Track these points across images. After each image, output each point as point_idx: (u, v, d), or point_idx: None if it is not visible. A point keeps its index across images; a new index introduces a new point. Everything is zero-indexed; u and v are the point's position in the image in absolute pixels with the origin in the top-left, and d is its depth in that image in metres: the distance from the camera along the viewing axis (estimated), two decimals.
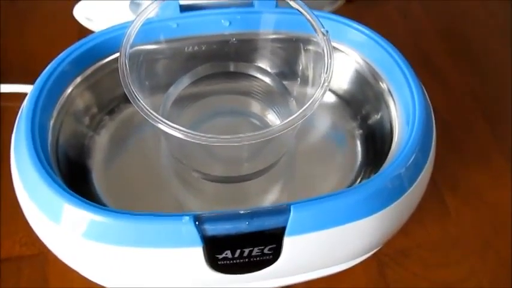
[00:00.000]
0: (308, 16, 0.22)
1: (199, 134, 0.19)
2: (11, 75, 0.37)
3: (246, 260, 0.22)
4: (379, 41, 0.26)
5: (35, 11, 0.41)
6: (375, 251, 0.27)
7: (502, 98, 0.39)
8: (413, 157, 0.23)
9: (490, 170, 0.34)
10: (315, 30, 0.22)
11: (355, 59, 0.28)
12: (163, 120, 0.20)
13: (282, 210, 0.20)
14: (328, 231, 0.21)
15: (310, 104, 0.20)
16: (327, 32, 0.22)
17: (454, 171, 0.34)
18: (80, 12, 0.30)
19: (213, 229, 0.20)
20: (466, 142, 0.36)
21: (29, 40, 0.39)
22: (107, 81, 0.27)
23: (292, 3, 0.22)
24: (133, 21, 0.23)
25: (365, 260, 0.28)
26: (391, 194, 0.22)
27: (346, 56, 0.28)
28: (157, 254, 0.20)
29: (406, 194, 0.23)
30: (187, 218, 0.19)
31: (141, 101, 0.20)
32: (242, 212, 0.20)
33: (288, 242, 0.21)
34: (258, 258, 0.22)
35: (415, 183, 0.23)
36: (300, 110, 0.19)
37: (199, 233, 0.20)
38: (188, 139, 0.19)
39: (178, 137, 0.25)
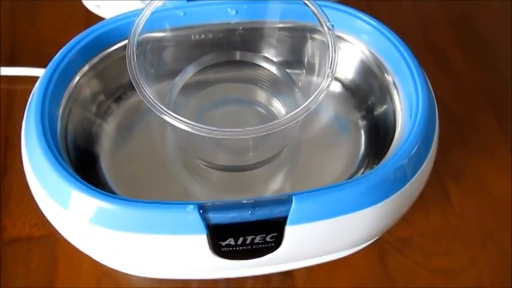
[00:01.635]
0: (314, 9, 0.22)
1: (204, 126, 0.19)
2: (22, 59, 0.37)
3: (249, 247, 0.22)
4: (385, 32, 0.26)
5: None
6: (375, 239, 0.28)
7: (510, 90, 0.39)
8: (415, 149, 0.23)
9: (494, 161, 0.34)
10: (321, 24, 0.22)
11: (361, 50, 0.28)
12: (169, 112, 0.20)
13: (284, 201, 0.21)
14: (329, 221, 0.22)
15: (314, 98, 0.20)
16: (333, 26, 0.22)
17: (458, 162, 0.34)
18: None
19: (217, 217, 0.20)
20: (471, 133, 0.36)
21: (39, 24, 0.40)
22: (113, 68, 0.28)
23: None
24: (141, 11, 0.23)
25: (366, 247, 0.29)
26: (393, 185, 0.22)
27: (352, 46, 0.28)
28: (163, 240, 0.21)
29: (407, 185, 0.23)
30: (191, 206, 0.20)
31: (148, 92, 0.21)
32: (245, 201, 0.20)
33: (289, 230, 0.22)
34: (260, 246, 0.22)
35: (417, 175, 0.23)
36: (304, 104, 0.20)
37: (203, 221, 0.20)
38: (193, 131, 0.19)
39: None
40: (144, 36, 0.25)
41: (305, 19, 0.26)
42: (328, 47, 0.21)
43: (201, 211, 0.20)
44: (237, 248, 0.22)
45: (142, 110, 0.29)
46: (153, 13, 0.25)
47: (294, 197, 0.21)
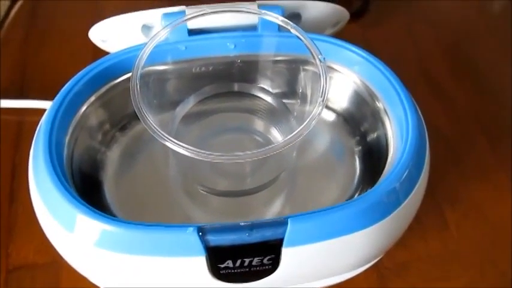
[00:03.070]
0: (307, 43, 0.24)
1: (203, 151, 0.20)
2: (30, 91, 0.39)
3: (247, 269, 0.23)
4: (374, 62, 0.28)
5: (54, 29, 0.43)
6: (374, 262, 0.28)
7: (503, 116, 0.39)
8: (407, 172, 0.24)
9: (490, 185, 0.35)
10: (313, 56, 0.23)
11: (352, 80, 0.29)
12: (170, 138, 0.21)
13: (280, 223, 0.21)
14: (325, 243, 0.22)
15: (306, 124, 0.21)
16: (324, 59, 0.23)
17: (454, 187, 0.35)
18: (95, 35, 0.32)
19: (215, 240, 0.21)
20: (466, 158, 0.36)
21: (47, 58, 0.41)
22: (119, 99, 0.29)
23: (292, 31, 0.24)
24: (145, 45, 0.24)
25: (365, 272, 0.29)
26: (386, 207, 0.23)
27: (344, 77, 0.29)
28: (163, 262, 0.22)
29: (400, 207, 0.24)
30: (191, 229, 0.21)
31: (150, 120, 0.22)
32: (243, 224, 0.21)
33: (286, 252, 0.22)
34: (258, 268, 0.23)
35: (410, 197, 0.24)
36: (297, 130, 0.21)
37: (202, 243, 0.21)
38: (192, 156, 0.21)
39: (187, 157, 0.27)
40: (147, 68, 0.26)
41: (299, 52, 0.27)
42: (320, 78, 0.23)
43: (200, 233, 0.21)
44: (236, 271, 0.23)
45: (146, 138, 0.30)
46: (156, 47, 0.26)
47: (289, 220, 0.21)
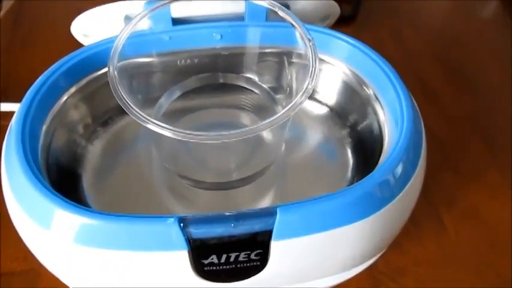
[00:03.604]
0: (294, 23, 0.23)
1: (183, 131, 0.19)
2: (12, 95, 0.37)
3: (233, 265, 0.21)
4: (361, 47, 0.27)
5: (36, 31, 0.43)
6: (368, 263, 0.27)
7: (496, 116, 0.39)
8: (404, 158, 0.23)
9: (487, 187, 0.34)
10: (301, 36, 0.22)
11: (341, 69, 0.28)
12: (152, 119, 0.20)
13: (269, 213, 0.20)
14: (317, 235, 0.21)
15: (292, 105, 0.20)
16: (312, 38, 0.22)
17: (450, 190, 0.34)
18: (76, 29, 0.31)
19: (198, 232, 0.20)
20: (462, 161, 0.36)
21: (30, 60, 0.41)
22: (101, 92, 0.28)
23: (280, 13, 0.23)
24: (122, 30, 0.23)
25: (359, 276, 0.27)
26: (380, 198, 0.22)
27: (332, 67, 0.28)
28: (142, 257, 0.20)
29: (396, 199, 0.22)
30: (171, 219, 0.19)
31: (128, 101, 0.21)
32: (227, 214, 0.20)
33: (275, 246, 0.21)
34: (245, 265, 0.21)
35: (406, 189, 0.23)
36: (283, 111, 0.20)
37: (184, 235, 0.20)
38: (176, 137, 0.19)
39: (169, 145, 0.25)
40: (130, 61, 0.25)
41: (287, 43, 0.26)
42: (308, 58, 0.22)
43: (182, 224, 0.19)
44: (221, 268, 0.21)
45: (129, 134, 0.29)
46: (139, 36, 0.25)
47: (278, 209, 0.20)
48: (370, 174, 0.22)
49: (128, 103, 0.20)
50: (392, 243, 0.26)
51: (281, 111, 0.20)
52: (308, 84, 0.20)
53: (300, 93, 0.20)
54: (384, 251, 0.27)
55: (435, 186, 0.33)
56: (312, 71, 0.21)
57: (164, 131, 0.19)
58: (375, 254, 0.26)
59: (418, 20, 0.48)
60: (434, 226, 0.32)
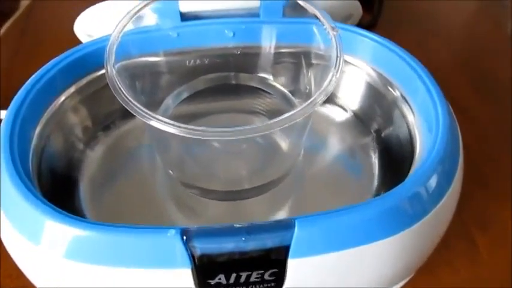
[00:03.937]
0: (316, 13, 0.20)
1: (190, 127, 0.17)
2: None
3: (244, 287, 0.18)
4: (388, 45, 0.24)
5: (44, 44, 0.41)
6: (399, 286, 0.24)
7: None
8: (439, 166, 0.20)
9: None
10: (323, 24, 0.20)
11: (365, 71, 0.26)
12: (153, 114, 0.17)
13: (286, 226, 0.17)
14: (341, 253, 0.18)
15: (313, 100, 0.17)
16: (336, 27, 0.20)
17: (483, 209, 0.31)
18: (80, 28, 0.29)
19: (204, 247, 0.17)
20: (494, 179, 0.33)
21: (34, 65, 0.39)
22: (103, 94, 0.26)
23: (300, 2, 0.21)
24: (119, 21, 0.21)
25: None
26: (412, 212, 0.19)
27: (356, 69, 0.26)
28: (139, 275, 0.18)
29: (429, 214, 0.20)
30: (173, 231, 0.17)
31: (126, 94, 0.18)
32: (238, 226, 0.17)
33: (292, 265, 0.18)
34: (257, 286, 0.18)
35: (441, 202, 0.20)
36: (303, 106, 0.17)
37: (187, 250, 0.17)
38: (184, 134, 0.17)
39: (175, 151, 0.23)
40: (135, 60, 0.23)
41: (305, 42, 0.24)
42: (333, 47, 0.19)
43: (184, 237, 0.17)
44: None
45: (131, 140, 0.27)
46: (144, 33, 0.23)
47: (297, 221, 0.17)
48: (401, 184, 0.19)
49: (125, 96, 0.18)
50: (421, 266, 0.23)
51: (300, 107, 0.17)
52: (332, 76, 0.18)
53: (326, 82, 0.17)
54: (412, 275, 0.24)
55: (467, 205, 0.30)
56: (337, 62, 0.18)
57: (167, 127, 0.17)
58: (402, 277, 0.23)
59: (440, 29, 0.46)
60: (467, 249, 0.29)
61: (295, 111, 0.17)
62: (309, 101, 0.17)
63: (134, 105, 0.18)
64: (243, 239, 0.17)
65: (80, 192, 0.24)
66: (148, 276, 0.18)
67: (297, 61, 0.26)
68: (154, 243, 0.17)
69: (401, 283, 0.24)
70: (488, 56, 0.42)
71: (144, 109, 0.18)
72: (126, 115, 0.27)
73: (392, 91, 0.25)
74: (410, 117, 0.23)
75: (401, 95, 0.24)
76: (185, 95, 0.26)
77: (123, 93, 0.18)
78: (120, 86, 0.18)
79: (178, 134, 0.17)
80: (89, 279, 0.18)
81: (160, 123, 0.17)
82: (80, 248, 0.18)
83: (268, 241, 0.17)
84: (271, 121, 0.17)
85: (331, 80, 0.18)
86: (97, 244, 0.17)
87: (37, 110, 0.23)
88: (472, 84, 0.40)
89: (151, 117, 0.17)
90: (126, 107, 0.18)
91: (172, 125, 0.17)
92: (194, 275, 0.17)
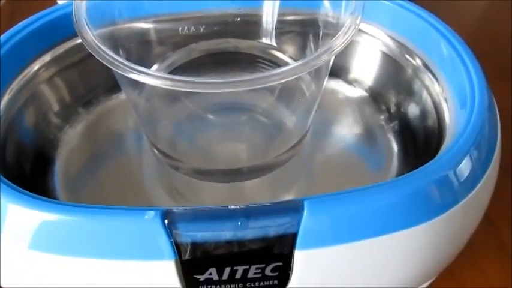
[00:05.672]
0: None
1: (178, 77, 0.14)
2: None
3: (240, 285, 0.15)
4: (409, 7, 0.22)
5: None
6: None
7: None
8: (473, 148, 0.17)
9: None
10: None
11: (381, 40, 0.23)
12: (136, 67, 0.14)
13: (292, 208, 0.14)
14: (359, 244, 0.15)
15: (332, 44, 0.14)
16: None
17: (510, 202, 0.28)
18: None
19: (190, 233, 0.14)
20: None
21: None
22: (84, 66, 0.23)
23: None
24: None
25: None
26: (440, 200, 0.16)
27: (370, 38, 0.24)
28: (114, 268, 0.15)
29: (463, 201, 0.17)
30: (152, 213, 0.14)
31: (94, 39, 0.15)
32: (233, 207, 0.14)
33: (300, 258, 0.15)
34: (256, 284, 0.15)
35: (475, 190, 0.17)
36: (320, 51, 0.14)
37: (169, 237, 0.14)
38: (174, 88, 0.14)
39: (167, 125, 0.20)
40: (119, 27, 0.20)
41: (315, 7, 0.21)
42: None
43: (166, 221, 0.13)
44: (223, 287, 0.15)
45: (115, 118, 0.24)
46: None
47: (306, 203, 0.14)
48: (427, 164, 0.16)
49: (96, 44, 0.15)
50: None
51: (317, 52, 0.14)
52: (351, 23, 0.14)
53: (344, 28, 0.14)
54: (435, 277, 0.21)
55: (494, 203, 0.28)
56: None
57: (150, 79, 0.14)
58: (424, 279, 0.20)
59: (457, 14, 0.43)
60: (496, 249, 0.27)
61: (304, 60, 0.14)
62: (324, 48, 0.14)
63: (105, 52, 0.15)
64: (239, 223, 0.14)
65: (55, 173, 0.21)
66: (124, 269, 0.15)
67: (304, 30, 0.24)
68: (130, 229, 0.14)
69: (424, 285, 0.21)
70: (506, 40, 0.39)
71: (120, 59, 0.15)
72: (111, 90, 0.25)
73: (413, 60, 0.22)
74: (435, 91, 0.20)
75: (424, 65, 0.21)
76: (177, 63, 0.23)
77: (92, 40, 0.15)
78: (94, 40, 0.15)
79: (163, 86, 0.14)
80: (54, 272, 0.15)
81: (142, 76, 0.14)
82: (44, 235, 0.15)
83: (271, 227, 0.14)
84: (272, 71, 0.14)
85: (349, 26, 0.15)
86: (59, 228, 0.14)
87: (3, 76, 0.20)
88: (492, 68, 0.37)
89: (130, 69, 0.14)
90: (95, 55, 0.15)
91: (156, 76, 0.14)
92: (179, 269, 0.14)
